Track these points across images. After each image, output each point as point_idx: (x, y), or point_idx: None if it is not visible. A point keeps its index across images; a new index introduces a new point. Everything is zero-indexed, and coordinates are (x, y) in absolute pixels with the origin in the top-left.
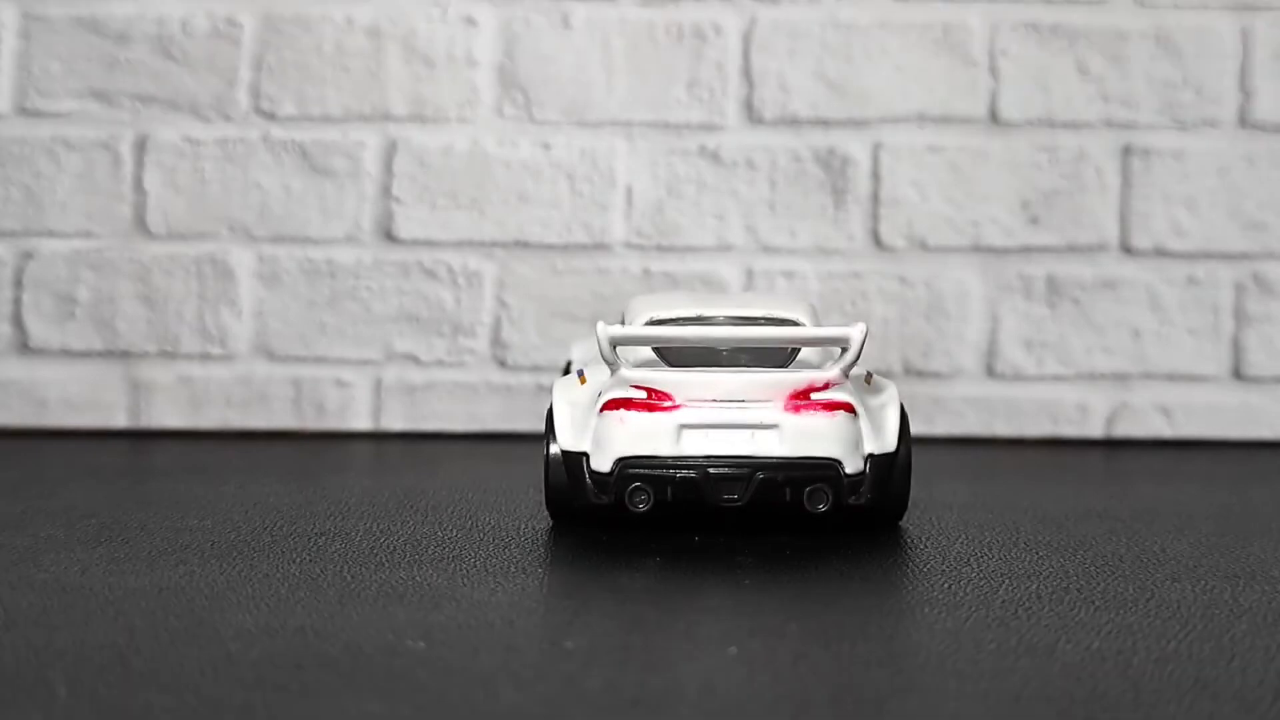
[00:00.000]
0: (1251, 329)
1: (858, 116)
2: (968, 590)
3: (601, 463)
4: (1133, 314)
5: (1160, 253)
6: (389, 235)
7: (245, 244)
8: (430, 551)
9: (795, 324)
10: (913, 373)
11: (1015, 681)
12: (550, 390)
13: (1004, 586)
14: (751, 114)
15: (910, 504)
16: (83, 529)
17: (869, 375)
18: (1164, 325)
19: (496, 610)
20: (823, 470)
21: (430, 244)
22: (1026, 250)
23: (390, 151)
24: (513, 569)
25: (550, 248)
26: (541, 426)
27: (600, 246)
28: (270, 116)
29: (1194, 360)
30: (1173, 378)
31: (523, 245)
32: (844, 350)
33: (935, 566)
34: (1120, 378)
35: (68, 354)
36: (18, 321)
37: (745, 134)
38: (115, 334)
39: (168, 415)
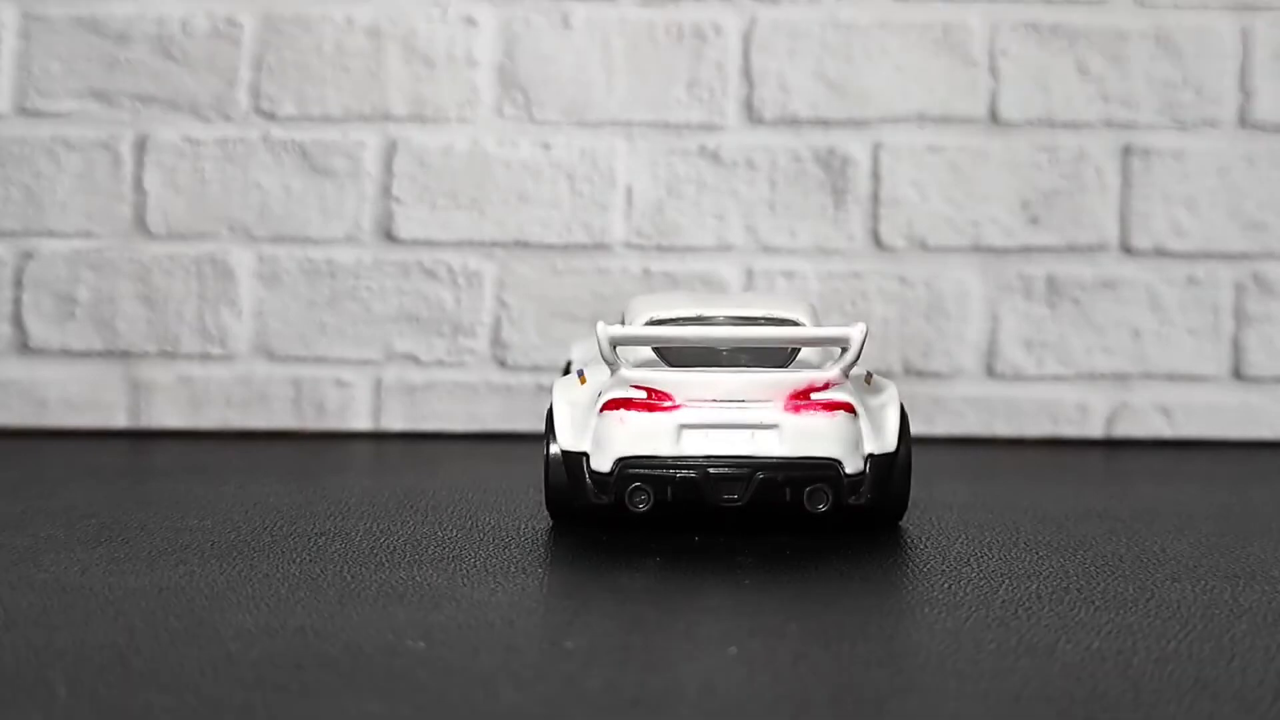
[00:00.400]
0: (1251, 329)
1: (858, 116)
2: (968, 590)
3: (601, 463)
4: (1133, 314)
5: (1160, 253)
6: (389, 235)
7: (245, 244)
8: (430, 551)
9: (795, 324)
10: (913, 373)
11: (1015, 681)
12: (550, 390)
13: (1004, 586)
14: (751, 114)
15: (910, 504)
16: (83, 529)
17: (869, 375)
18: (1164, 325)
19: (496, 610)
20: (823, 470)
21: (430, 244)
22: (1026, 250)
23: (390, 151)
24: (513, 569)
25: (550, 248)
26: (541, 426)
27: (600, 246)
28: (270, 116)
29: (1194, 360)
30: (1173, 378)
31: (523, 245)
32: (844, 350)
33: (935, 566)
34: (1120, 378)
35: (68, 354)
36: (18, 321)
37: (745, 134)
38: (115, 334)
39: (168, 415)
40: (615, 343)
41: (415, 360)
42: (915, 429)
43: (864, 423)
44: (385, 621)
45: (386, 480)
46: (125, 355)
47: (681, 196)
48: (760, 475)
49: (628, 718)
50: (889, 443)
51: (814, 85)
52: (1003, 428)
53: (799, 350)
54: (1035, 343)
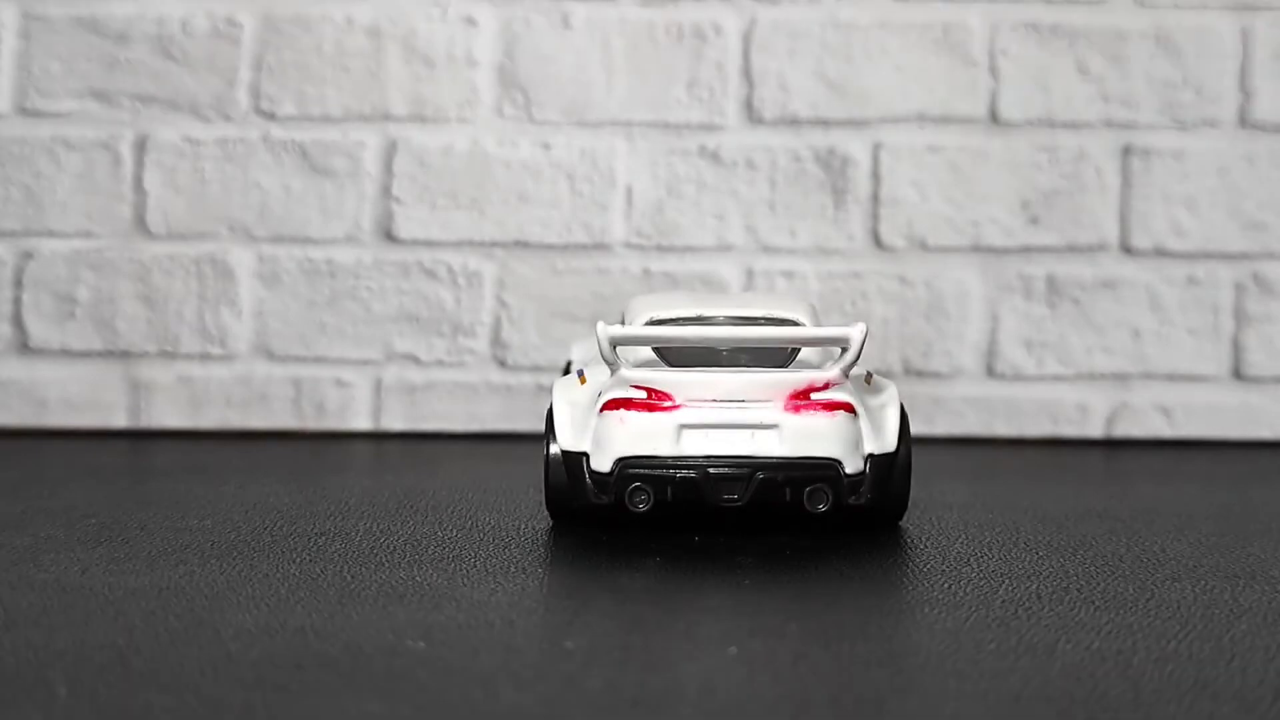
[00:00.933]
0: (1251, 329)
1: (858, 116)
2: (968, 590)
3: (601, 463)
4: (1133, 314)
5: (1160, 253)
6: (389, 235)
7: (245, 244)
8: (430, 551)
9: (795, 324)
10: (913, 373)
11: (1015, 681)
12: (550, 390)
13: (1004, 586)
14: (751, 114)
15: (910, 504)
16: (83, 529)
17: (869, 375)
18: (1164, 325)
19: (496, 610)
20: (823, 470)
21: (430, 244)
22: (1026, 250)
23: (390, 151)
24: (513, 569)
25: (550, 248)
26: (541, 426)
27: (600, 246)
28: (270, 116)
29: (1194, 360)
30: (1173, 378)
31: (523, 245)
32: (844, 350)
33: (935, 566)
34: (1120, 378)
35: (68, 354)
36: (18, 321)
37: (745, 134)
38: (115, 334)
39: (168, 415)
40: (615, 343)
41: (415, 360)
42: (915, 429)
43: (864, 423)
44: (385, 621)
45: (386, 480)
46: (125, 355)
47: (681, 196)
48: (760, 475)
49: (628, 718)
50: (889, 443)
51: (814, 85)
52: (1003, 428)
53: (799, 350)
54: (1035, 343)
